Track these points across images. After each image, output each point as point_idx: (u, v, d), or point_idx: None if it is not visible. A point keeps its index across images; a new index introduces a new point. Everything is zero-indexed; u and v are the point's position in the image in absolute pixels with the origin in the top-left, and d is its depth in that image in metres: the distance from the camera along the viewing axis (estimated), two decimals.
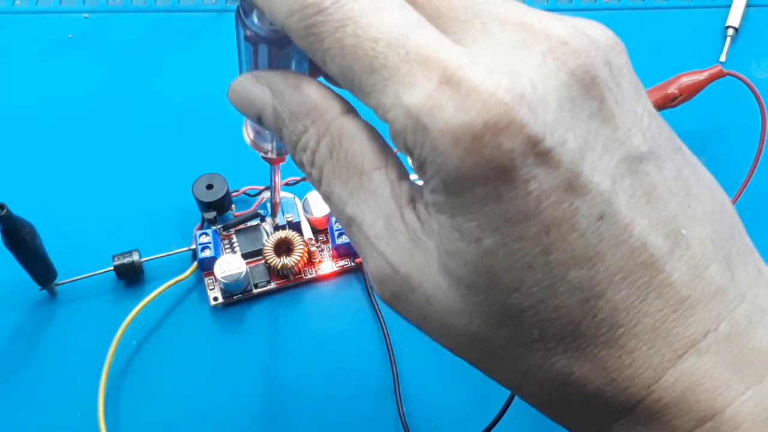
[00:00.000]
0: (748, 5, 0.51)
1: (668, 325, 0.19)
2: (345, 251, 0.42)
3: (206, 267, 0.42)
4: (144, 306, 0.40)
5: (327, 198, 0.22)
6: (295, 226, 0.43)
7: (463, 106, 0.18)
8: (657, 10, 0.52)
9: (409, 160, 0.20)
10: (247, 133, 0.28)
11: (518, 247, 0.19)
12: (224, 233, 0.43)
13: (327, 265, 0.42)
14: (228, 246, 0.43)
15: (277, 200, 0.38)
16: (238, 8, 0.22)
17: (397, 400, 0.39)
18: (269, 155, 0.28)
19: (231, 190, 0.42)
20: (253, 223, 0.43)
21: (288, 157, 0.27)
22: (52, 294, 0.42)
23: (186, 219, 0.43)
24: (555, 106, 0.18)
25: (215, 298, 0.41)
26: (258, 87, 0.22)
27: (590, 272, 0.19)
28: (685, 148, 0.21)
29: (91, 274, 0.41)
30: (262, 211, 0.43)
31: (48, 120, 0.47)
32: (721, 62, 0.49)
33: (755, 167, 0.41)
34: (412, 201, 0.21)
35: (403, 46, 0.19)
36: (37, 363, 0.40)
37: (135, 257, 0.41)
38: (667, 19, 0.51)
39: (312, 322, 0.41)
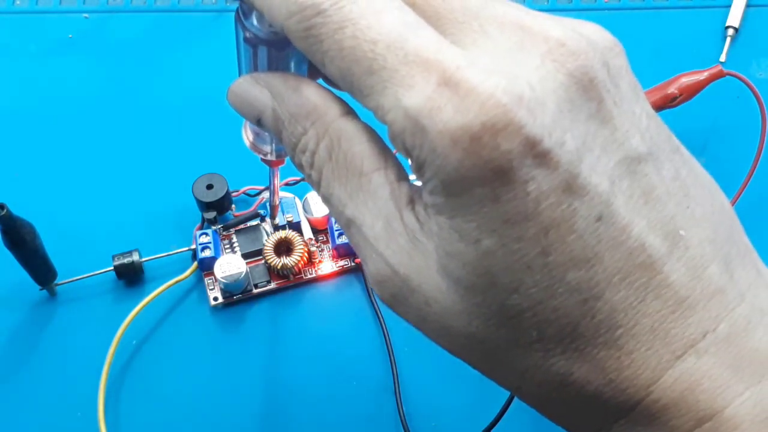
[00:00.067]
0: (748, 5, 0.50)
1: (667, 325, 0.19)
2: (345, 251, 0.42)
3: (206, 267, 0.42)
4: (144, 306, 0.40)
5: (326, 199, 0.22)
6: (295, 226, 0.43)
7: (461, 108, 0.18)
8: (657, 10, 0.52)
9: (409, 162, 0.20)
10: (247, 136, 0.28)
11: (517, 248, 0.19)
12: (224, 233, 0.43)
13: (327, 265, 0.42)
14: (228, 246, 0.43)
15: (276, 202, 0.38)
16: (237, 10, 0.22)
17: (397, 400, 0.39)
18: (268, 157, 0.28)
19: (231, 190, 0.42)
20: (253, 223, 0.43)
21: (287, 158, 0.27)
22: (52, 294, 0.42)
23: (186, 219, 0.43)
24: (553, 107, 0.18)
25: (215, 298, 0.41)
26: (257, 89, 0.22)
27: (589, 273, 0.19)
28: (683, 148, 0.21)
29: (91, 274, 0.41)
30: (262, 211, 0.43)
31: (48, 120, 0.47)
32: (721, 62, 0.49)
33: (755, 167, 0.41)
34: (412, 202, 0.21)
35: (402, 48, 0.19)
36: (37, 363, 0.40)
37: (135, 257, 0.41)
38: (667, 19, 0.51)
39: (312, 322, 0.41)
